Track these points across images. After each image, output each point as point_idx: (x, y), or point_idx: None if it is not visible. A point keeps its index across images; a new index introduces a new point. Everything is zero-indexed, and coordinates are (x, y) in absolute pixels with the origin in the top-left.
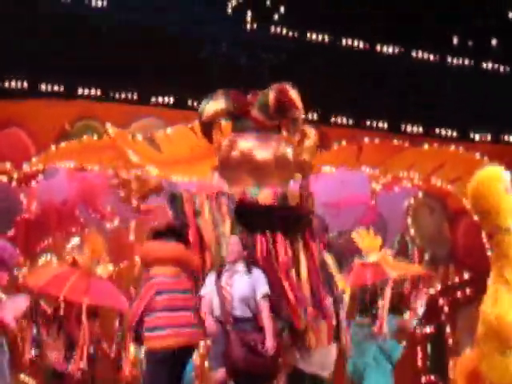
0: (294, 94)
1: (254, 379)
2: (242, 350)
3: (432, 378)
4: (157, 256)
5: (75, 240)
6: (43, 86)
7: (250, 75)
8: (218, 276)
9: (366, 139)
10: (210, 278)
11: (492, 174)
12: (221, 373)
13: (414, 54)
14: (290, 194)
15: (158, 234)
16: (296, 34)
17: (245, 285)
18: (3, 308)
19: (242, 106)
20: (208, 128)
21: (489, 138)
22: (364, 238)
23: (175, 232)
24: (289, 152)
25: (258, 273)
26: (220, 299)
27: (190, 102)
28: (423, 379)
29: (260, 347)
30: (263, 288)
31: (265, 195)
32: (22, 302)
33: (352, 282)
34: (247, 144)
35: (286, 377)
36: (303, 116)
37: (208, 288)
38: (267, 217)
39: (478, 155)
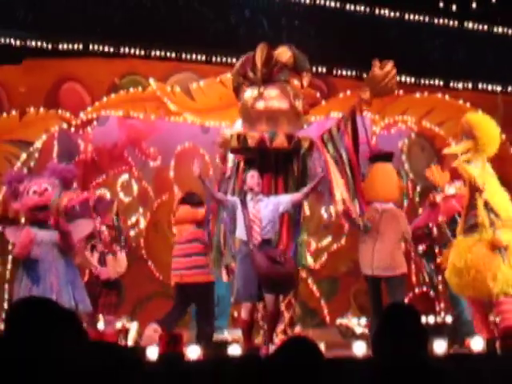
0: (259, 53)
1: (280, 286)
2: (268, 263)
3: (424, 289)
4: (181, 217)
5: (124, 177)
6: (95, 47)
7: (269, 37)
8: (242, 204)
9: None
10: (235, 200)
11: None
12: (247, 306)
13: (407, 16)
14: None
15: (183, 200)
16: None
17: (270, 210)
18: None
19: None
20: (236, 88)
21: (470, 86)
22: (437, 174)
23: (194, 198)
24: (298, 103)
25: (276, 198)
26: (247, 224)
27: (219, 59)
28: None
29: (281, 258)
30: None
31: (280, 139)
32: (86, 226)
33: (445, 213)
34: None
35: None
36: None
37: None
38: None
39: (461, 102)
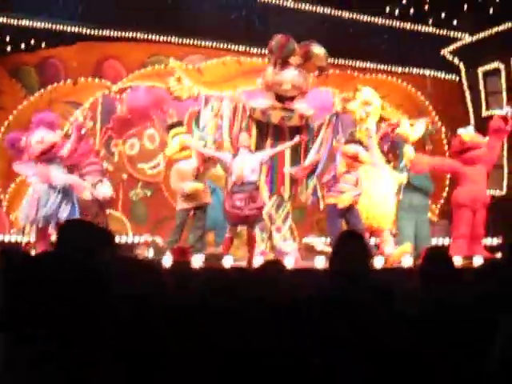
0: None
1: (239, 223)
2: (233, 208)
3: None
4: None
5: (150, 130)
6: (130, 34)
7: (261, 32)
8: (233, 157)
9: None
10: (227, 156)
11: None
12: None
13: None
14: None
15: None
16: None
17: (252, 161)
18: None
19: None
20: None
21: (405, 70)
22: None
23: None
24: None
25: (260, 153)
26: (236, 171)
27: (221, 45)
28: None
29: (242, 203)
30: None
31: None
32: None
33: None
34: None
35: None
36: None
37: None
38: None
39: (399, 81)
